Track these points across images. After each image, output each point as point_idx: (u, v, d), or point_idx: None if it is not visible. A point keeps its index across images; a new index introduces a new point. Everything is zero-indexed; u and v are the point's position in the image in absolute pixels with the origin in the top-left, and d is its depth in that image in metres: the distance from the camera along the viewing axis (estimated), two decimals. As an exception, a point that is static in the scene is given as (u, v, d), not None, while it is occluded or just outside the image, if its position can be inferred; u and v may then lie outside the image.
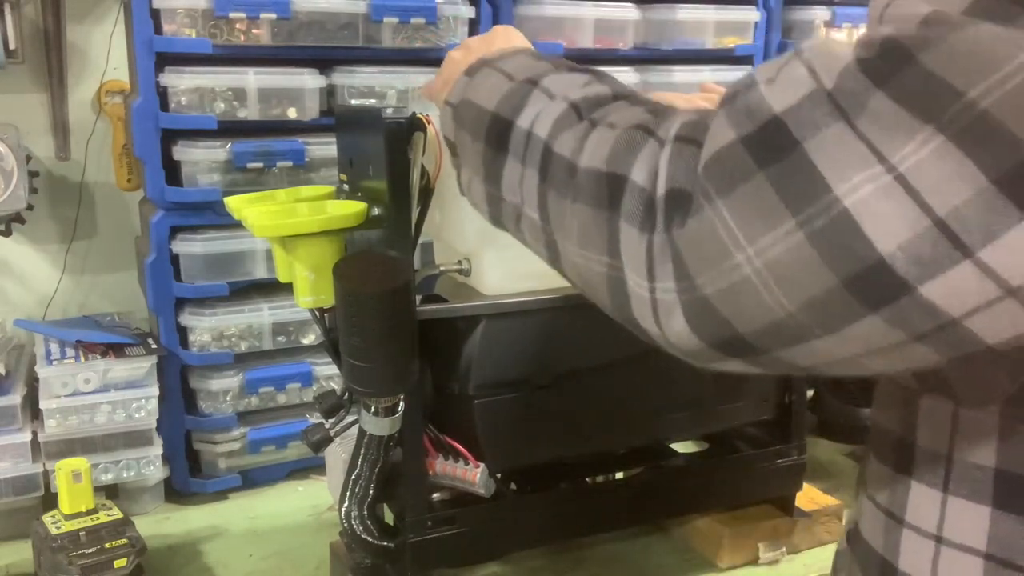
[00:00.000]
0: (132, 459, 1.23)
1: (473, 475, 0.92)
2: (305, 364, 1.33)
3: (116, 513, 1.07)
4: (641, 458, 1.12)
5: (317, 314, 0.93)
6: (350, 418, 0.96)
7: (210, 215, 1.24)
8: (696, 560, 1.13)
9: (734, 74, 1.56)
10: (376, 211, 0.89)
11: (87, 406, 1.19)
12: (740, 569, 1.12)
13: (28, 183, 1.36)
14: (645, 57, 1.52)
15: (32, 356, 1.28)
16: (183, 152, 1.22)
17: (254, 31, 1.22)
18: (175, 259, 1.25)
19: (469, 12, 1.34)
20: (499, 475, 0.98)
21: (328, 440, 0.97)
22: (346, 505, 0.92)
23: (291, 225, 0.86)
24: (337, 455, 0.98)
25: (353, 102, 1.29)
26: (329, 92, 1.29)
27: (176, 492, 1.30)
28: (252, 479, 1.34)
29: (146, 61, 1.18)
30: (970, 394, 0.50)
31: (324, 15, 1.25)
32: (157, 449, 1.24)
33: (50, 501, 1.14)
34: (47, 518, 1.06)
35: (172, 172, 1.24)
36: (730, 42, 1.57)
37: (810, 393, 1.50)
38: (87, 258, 1.54)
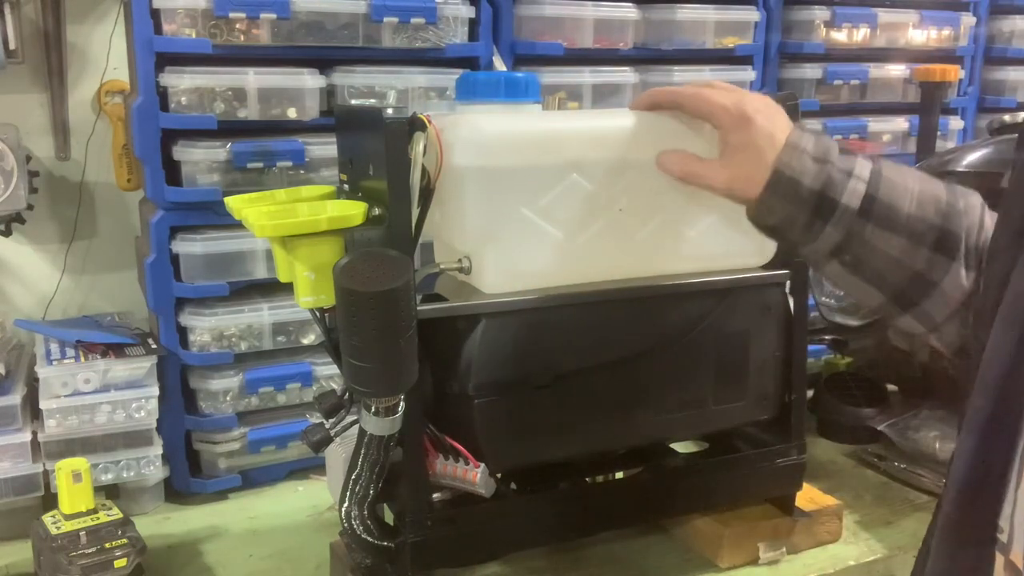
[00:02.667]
0: (132, 459, 1.23)
1: (473, 475, 0.92)
2: (305, 364, 1.33)
3: (116, 513, 1.07)
4: (641, 458, 1.12)
5: (317, 314, 0.93)
6: (350, 418, 0.96)
7: (210, 215, 1.24)
8: (696, 560, 1.13)
9: (734, 74, 1.57)
10: (376, 211, 0.89)
11: (87, 406, 1.19)
12: (740, 569, 1.12)
13: (28, 183, 1.36)
14: (645, 57, 1.52)
15: (32, 356, 1.28)
16: (183, 152, 1.22)
17: (254, 31, 1.22)
18: (175, 259, 1.25)
19: (469, 12, 1.34)
20: (499, 475, 0.98)
21: (328, 440, 0.97)
22: (346, 505, 0.92)
23: (291, 225, 0.86)
24: (337, 455, 0.98)
25: (353, 102, 1.29)
26: (329, 92, 1.29)
27: (176, 492, 1.30)
28: (252, 479, 1.34)
29: (146, 61, 1.18)
30: None
31: (324, 15, 1.25)
32: (157, 449, 1.24)
33: (50, 501, 1.14)
34: (47, 518, 1.06)
35: (172, 172, 1.24)
36: (730, 42, 1.57)
37: (810, 393, 1.50)
38: (87, 258, 1.54)
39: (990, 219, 0.81)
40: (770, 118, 0.84)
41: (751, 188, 0.83)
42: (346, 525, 0.93)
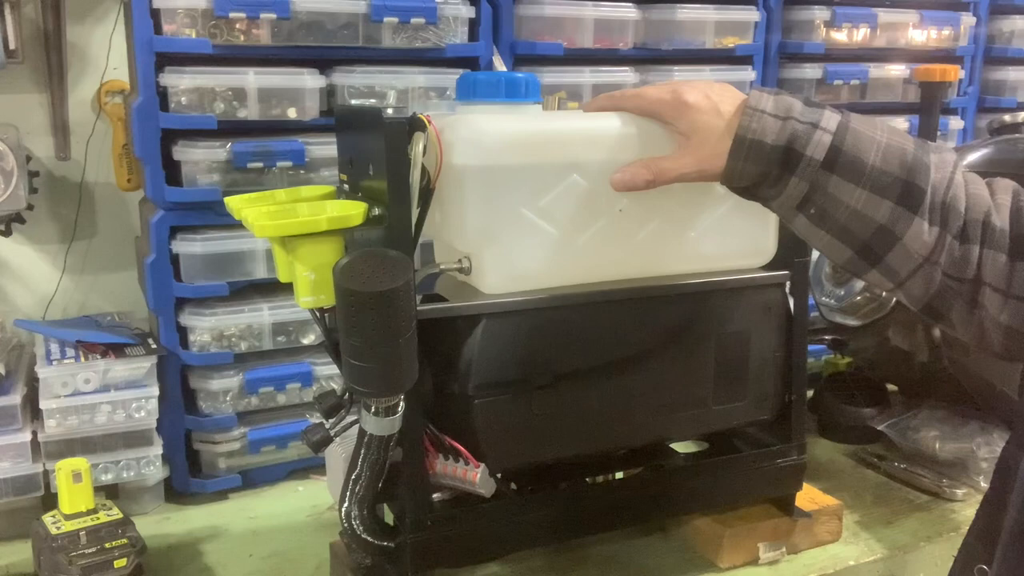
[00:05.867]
0: (132, 459, 1.23)
1: (473, 475, 0.92)
2: (305, 364, 1.33)
3: (116, 513, 1.07)
4: (641, 458, 1.12)
5: (317, 314, 0.93)
6: (350, 418, 0.96)
7: (210, 215, 1.24)
8: (696, 560, 1.13)
9: (734, 74, 1.57)
10: (376, 211, 0.89)
11: (87, 406, 1.19)
12: (740, 569, 1.12)
13: (28, 183, 1.36)
14: (645, 57, 1.52)
15: (32, 356, 1.28)
16: (183, 152, 1.22)
17: (254, 31, 1.22)
18: (175, 259, 1.25)
19: (469, 12, 1.34)
20: (499, 475, 0.98)
21: (328, 440, 0.97)
22: (346, 505, 0.92)
23: (291, 225, 0.86)
24: (337, 455, 0.98)
25: (353, 102, 1.29)
26: (329, 92, 1.29)
27: (176, 492, 1.30)
28: (252, 479, 1.34)
29: (146, 61, 1.18)
30: None
31: (324, 15, 1.25)
32: (157, 449, 1.24)
33: (50, 501, 1.14)
34: (47, 518, 1.06)
35: (172, 172, 1.24)
36: (730, 42, 1.57)
37: (810, 393, 1.50)
38: (87, 258, 1.54)
39: (962, 177, 0.81)
40: (708, 96, 0.86)
41: (718, 161, 0.84)
42: (346, 525, 0.93)
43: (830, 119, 0.81)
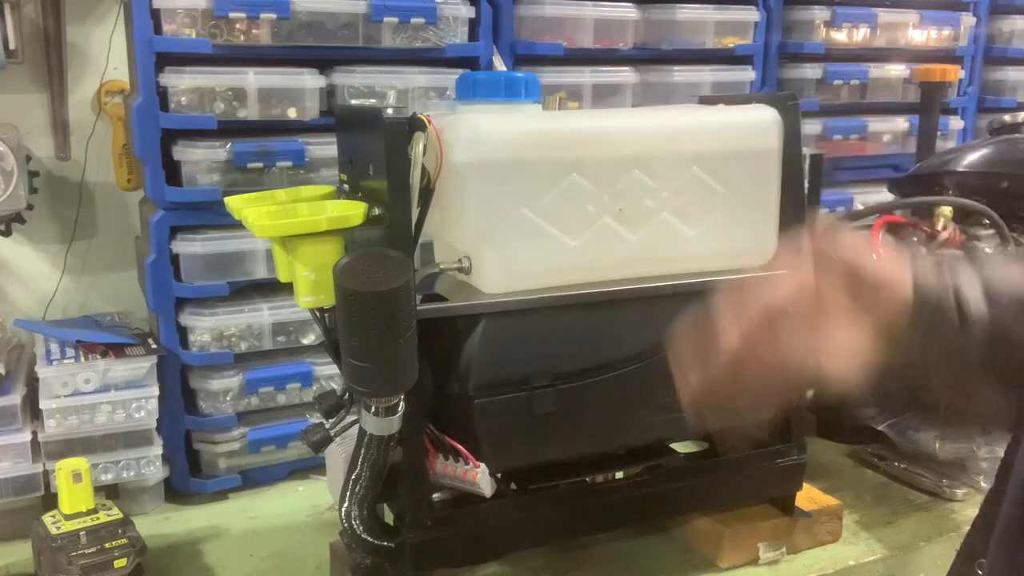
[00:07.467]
0: (132, 459, 1.23)
1: (473, 475, 0.92)
2: (305, 364, 1.33)
3: (116, 513, 1.07)
4: (641, 458, 1.12)
5: (317, 314, 0.93)
6: (350, 418, 0.96)
7: (210, 215, 1.24)
8: (696, 560, 1.13)
9: (734, 74, 1.57)
10: (376, 211, 0.89)
11: (87, 406, 1.19)
12: (740, 569, 1.12)
13: (28, 183, 1.36)
14: (645, 57, 1.52)
15: (32, 356, 1.28)
16: (183, 152, 1.22)
17: (254, 31, 1.22)
18: (175, 259, 1.25)
19: (469, 12, 1.34)
20: (499, 475, 0.98)
21: (328, 440, 0.97)
22: (346, 505, 0.92)
23: (291, 225, 0.86)
24: (337, 455, 0.98)
25: (353, 102, 1.29)
26: (329, 92, 1.29)
27: (176, 492, 1.30)
28: (252, 479, 1.34)
29: (146, 61, 1.18)
30: None
31: (324, 15, 1.25)
32: (157, 449, 1.24)
33: (50, 501, 1.14)
34: (47, 518, 1.06)
35: (172, 172, 1.24)
36: (730, 42, 1.57)
37: (810, 393, 1.50)
38: (87, 258, 1.54)
39: None
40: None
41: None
42: (346, 525, 0.93)
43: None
